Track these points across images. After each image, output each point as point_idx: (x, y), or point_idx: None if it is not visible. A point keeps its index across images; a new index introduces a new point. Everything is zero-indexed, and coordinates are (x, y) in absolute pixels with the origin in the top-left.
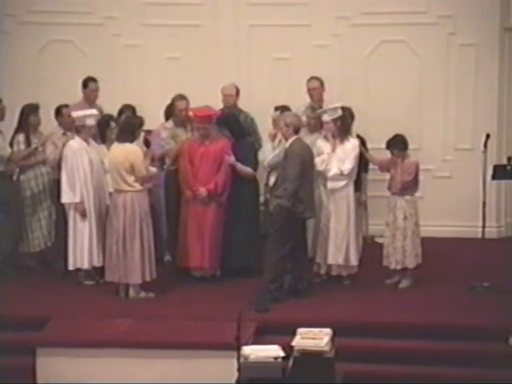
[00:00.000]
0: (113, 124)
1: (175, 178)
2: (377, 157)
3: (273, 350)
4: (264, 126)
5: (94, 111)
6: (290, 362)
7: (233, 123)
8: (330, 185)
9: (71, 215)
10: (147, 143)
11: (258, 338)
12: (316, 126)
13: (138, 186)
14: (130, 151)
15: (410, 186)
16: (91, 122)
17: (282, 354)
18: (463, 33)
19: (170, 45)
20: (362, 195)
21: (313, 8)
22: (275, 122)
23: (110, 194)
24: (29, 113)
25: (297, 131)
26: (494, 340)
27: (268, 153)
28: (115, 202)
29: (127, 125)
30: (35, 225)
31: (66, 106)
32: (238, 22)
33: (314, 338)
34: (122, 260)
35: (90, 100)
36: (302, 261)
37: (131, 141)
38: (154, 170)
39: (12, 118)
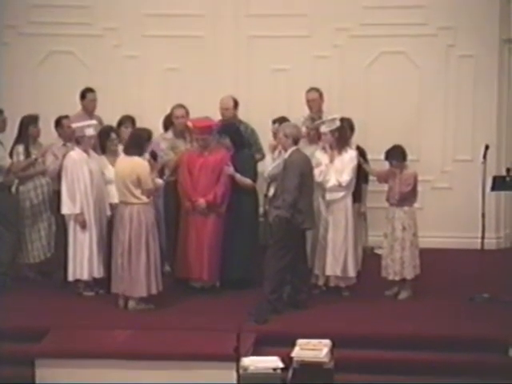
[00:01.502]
0: (113, 135)
1: (174, 188)
2: (375, 168)
3: (272, 361)
4: (263, 137)
5: (93, 122)
6: (290, 373)
7: (234, 133)
8: (328, 196)
9: (71, 226)
10: (154, 155)
11: (258, 349)
12: (315, 137)
13: (144, 199)
14: (137, 164)
15: (408, 197)
16: (91, 132)
17: (281, 365)
18: (462, 44)
19: (169, 56)
20: (362, 206)
21: (312, 19)
22: (275, 134)
23: (111, 204)
24: (28, 124)
25: (296, 142)
26: (493, 351)
27: (268, 164)
28: (121, 214)
29: (135, 137)
30: (35, 236)
31: (66, 117)
32: (238, 33)
33: (313, 349)
34: (127, 272)
35: (88, 111)
36: (302, 272)
37: (139, 154)
38: (160, 181)
39: (12, 129)
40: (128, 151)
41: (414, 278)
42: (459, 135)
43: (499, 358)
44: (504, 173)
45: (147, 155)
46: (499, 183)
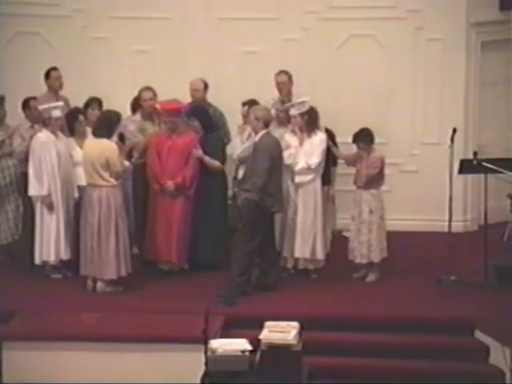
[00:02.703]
0: (81, 117)
1: (143, 171)
2: (343, 151)
3: (240, 344)
4: (233, 120)
5: (59, 103)
6: (258, 356)
7: (203, 115)
8: (297, 179)
9: (38, 208)
10: (122, 138)
11: (226, 332)
12: (284, 119)
13: (113, 181)
14: (105, 146)
15: (375, 180)
16: (57, 113)
17: (249, 347)
18: (430, 28)
19: (138, 38)
20: (331, 189)
21: (282, 2)
22: (245, 116)
23: (78, 187)
24: None
25: (267, 125)
26: (460, 333)
27: (237, 146)
28: (90, 196)
29: (105, 120)
30: (2, 218)
31: (34, 98)
32: (207, 15)
33: (281, 332)
34: (96, 255)
35: (54, 89)
36: (270, 255)
37: (108, 136)
38: (128, 164)
39: None
40: (97, 133)
41: (382, 261)
42: (427, 118)
43: (466, 340)
44: (471, 156)
45: (115, 137)
46: (466, 166)
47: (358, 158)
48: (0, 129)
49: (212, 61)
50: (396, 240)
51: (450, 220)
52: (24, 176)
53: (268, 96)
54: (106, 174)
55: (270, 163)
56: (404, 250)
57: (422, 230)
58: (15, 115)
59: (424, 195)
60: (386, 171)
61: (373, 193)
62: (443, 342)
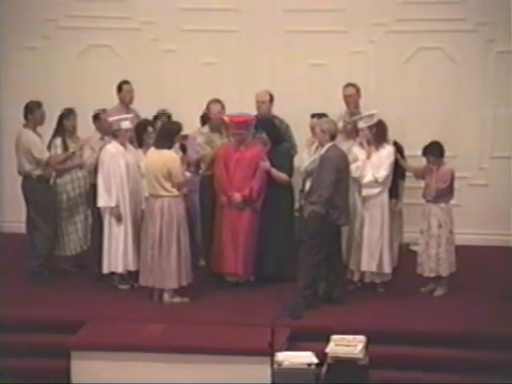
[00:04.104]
0: (150, 129)
1: (210, 183)
2: (412, 164)
3: (306, 357)
4: (300, 133)
5: (129, 115)
6: (324, 369)
7: (271, 128)
8: (364, 192)
9: (107, 219)
10: (183, 148)
11: (292, 345)
12: (352, 132)
13: (175, 192)
14: (167, 157)
15: (444, 194)
16: (127, 125)
17: (315, 360)
18: (501, 40)
19: (206, 50)
20: (398, 203)
21: (350, 14)
22: (313, 129)
23: (146, 198)
24: (62, 117)
25: (333, 137)
26: None
27: (305, 159)
28: (152, 207)
29: (165, 131)
30: (71, 228)
31: (104, 110)
32: (275, 28)
33: (347, 345)
34: (157, 265)
35: (125, 103)
36: (337, 268)
37: (169, 147)
38: (189, 175)
39: (51, 123)
40: (158, 144)
41: (450, 275)
42: (496, 132)
43: None
44: None
45: (177, 148)
46: None
47: (427, 172)
48: (71, 141)
49: (279, 73)
50: (464, 254)
51: None
52: (93, 187)
53: (335, 109)
54: (168, 185)
55: (335, 176)
56: (472, 264)
57: (490, 245)
58: (86, 127)
59: (493, 209)
60: (455, 185)
61: (442, 207)
62: (511, 358)
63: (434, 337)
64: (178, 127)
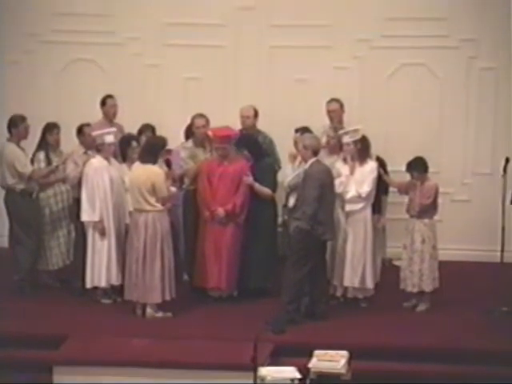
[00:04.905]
0: (134, 143)
1: (193, 197)
2: (396, 179)
3: (289, 372)
4: (284, 147)
5: (112, 129)
6: None
7: (252, 144)
8: (347, 207)
9: (90, 233)
10: (168, 164)
11: (275, 360)
12: (336, 147)
13: (159, 206)
14: (152, 172)
15: (428, 209)
16: (110, 139)
17: (298, 375)
18: (484, 57)
19: (190, 65)
20: (381, 218)
21: (334, 30)
22: (296, 143)
23: (130, 212)
24: (45, 131)
25: (315, 153)
26: (510, 365)
27: (288, 174)
28: (136, 221)
29: (150, 146)
30: (54, 243)
31: (88, 124)
32: (259, 43)
33: (330, 361)
34: (141, 279)
35: (109, 117)
36: (321, 283)
37: (154, 162)
38: (173, 189)
39: (35, 137)
40: (142, 159)
41: (433, 291)
42: (479, 148)
43: None
44: None
45: (162, 163)
46: None
47: (411, 187)
48: (54, 155)
49: (263, 88)
50: (447, 270)
51: (503, 250)
52: (77, 202)
53: (318, 124)
54: (152, 199)
55: (319, 191)
56: (455, 279)
57: (473, 260)
58: (70, 141)
59: (476, 225)
60: (439, 200)
61: (426, 222)
62: (492, 373)
63: (417, 352)
64: (162, 142)
